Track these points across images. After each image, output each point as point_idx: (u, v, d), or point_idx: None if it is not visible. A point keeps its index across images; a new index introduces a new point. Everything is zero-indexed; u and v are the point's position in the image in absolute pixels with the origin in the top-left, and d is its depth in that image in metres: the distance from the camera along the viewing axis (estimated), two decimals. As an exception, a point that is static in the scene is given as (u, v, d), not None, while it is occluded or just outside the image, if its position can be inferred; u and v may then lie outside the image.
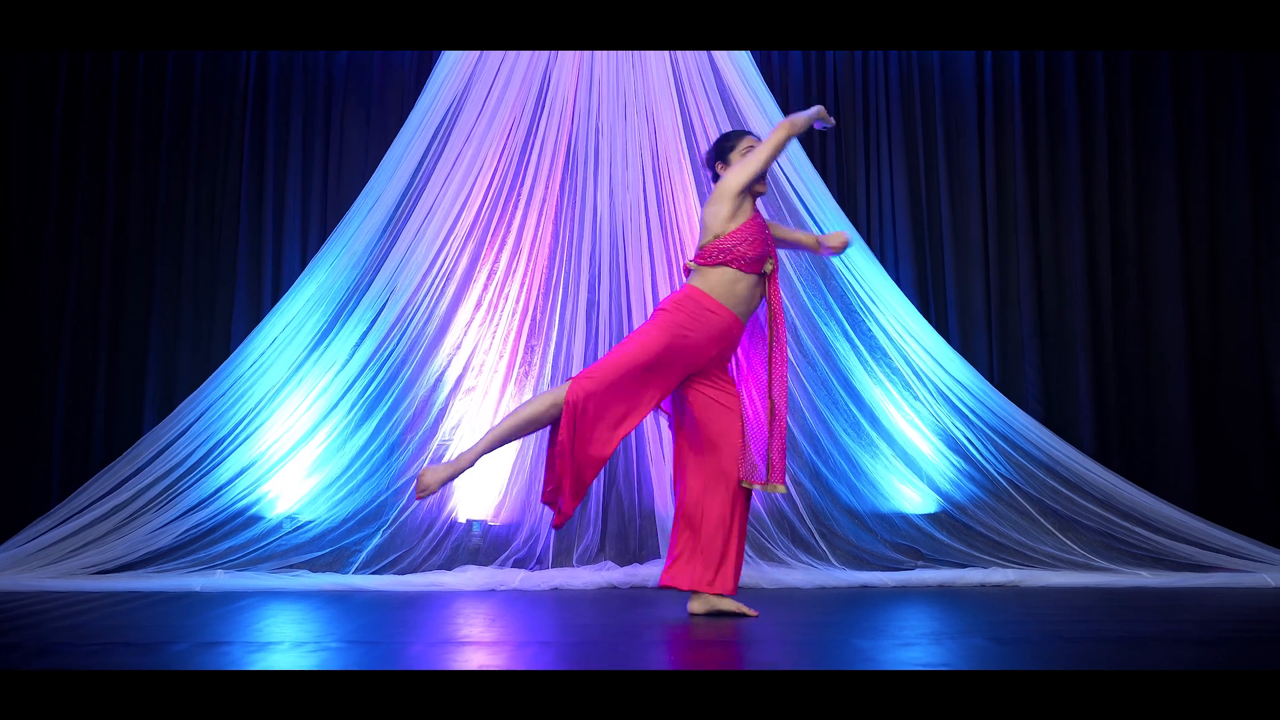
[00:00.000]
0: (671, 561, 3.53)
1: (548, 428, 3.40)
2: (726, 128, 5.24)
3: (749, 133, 3.69)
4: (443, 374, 5.13)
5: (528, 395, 5.12)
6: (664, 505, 4.96)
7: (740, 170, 3.47)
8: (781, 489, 3.51)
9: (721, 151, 3.63)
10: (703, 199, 5.23)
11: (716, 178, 3.62)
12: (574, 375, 3.46)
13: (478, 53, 5.28)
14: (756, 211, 3.57)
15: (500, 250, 5.21)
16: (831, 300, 5.17)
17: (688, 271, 3.55)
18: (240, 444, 4.95)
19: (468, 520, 5.09)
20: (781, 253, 4.91)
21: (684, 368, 3.46)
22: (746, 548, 4.85)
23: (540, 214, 5.23)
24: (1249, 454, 5.45)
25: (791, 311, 5.15)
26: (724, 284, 3.43)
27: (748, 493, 3.53)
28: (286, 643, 3.03)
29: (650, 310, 5.12)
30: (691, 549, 3.48)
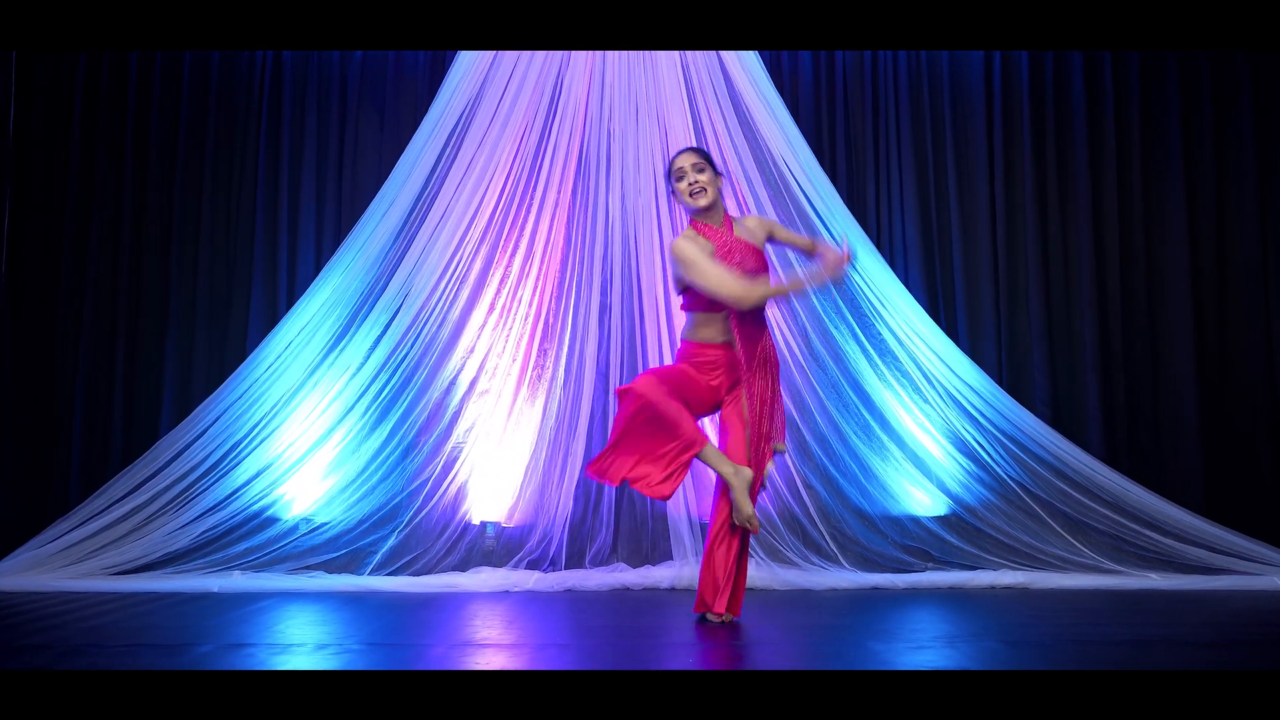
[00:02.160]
0: None
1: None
2: (737, 132, 5.29)
3: (694, 151, 3.62)
4: (456, 377, 5.18)
5: (540, 398, 5.18)
6: (675, 508, 5.00)
7: (686, 270, 3.46)
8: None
9: (668, 177, 3.64)
10: None
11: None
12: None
13: (490, 57, 5.32)
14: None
15: (513, 254, 5.26)
16: (842, 304, 5.20)
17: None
18: (257, 446, 5.01)
19: (482, 522, 5.14)
20: (790, 255, 4.98)
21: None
22: (759, 549, 4.92)
23: (553, 218, 5.27)
24: (1258, 456, 5.46)
25: (802, 314, 5.20)
26: (696, 327, 3.57)
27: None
28: (309, 644, 3.08)
29: (661, 313, 5.19)
30: None
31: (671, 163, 3.61)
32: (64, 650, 2.95)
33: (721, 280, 3.41)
